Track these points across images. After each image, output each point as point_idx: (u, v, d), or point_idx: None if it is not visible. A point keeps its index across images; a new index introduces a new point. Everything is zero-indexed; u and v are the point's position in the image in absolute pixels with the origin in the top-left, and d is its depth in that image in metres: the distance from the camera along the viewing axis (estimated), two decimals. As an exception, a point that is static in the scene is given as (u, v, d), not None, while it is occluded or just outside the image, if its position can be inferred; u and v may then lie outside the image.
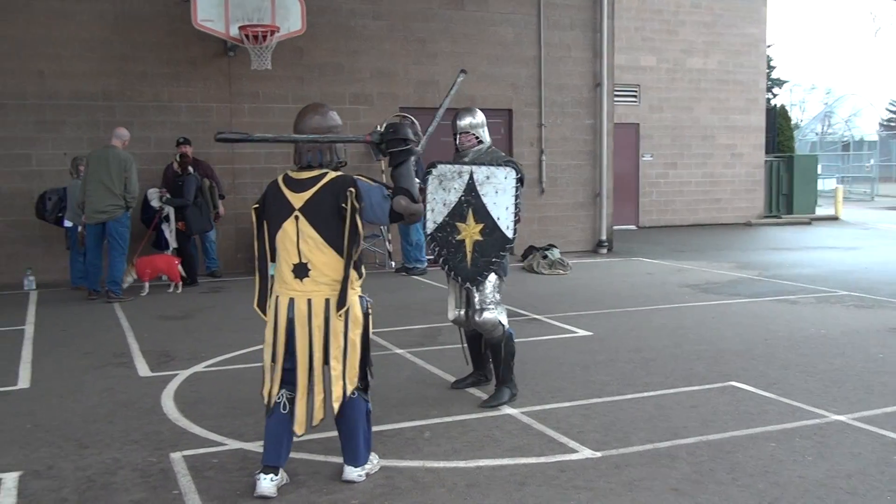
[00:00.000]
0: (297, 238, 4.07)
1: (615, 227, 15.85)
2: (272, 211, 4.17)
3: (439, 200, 5.50)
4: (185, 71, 12.16)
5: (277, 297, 4.14)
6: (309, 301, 4.05)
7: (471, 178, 5.45)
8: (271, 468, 4.08)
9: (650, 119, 20.01)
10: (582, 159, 14.72)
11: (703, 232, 18.91)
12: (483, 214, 5.42)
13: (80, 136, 11.67)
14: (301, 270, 4.07)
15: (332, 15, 12.91)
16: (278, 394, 4.12)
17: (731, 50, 20.72)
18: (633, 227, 19.76)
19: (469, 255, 5.43)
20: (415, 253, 12.09)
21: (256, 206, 4.26)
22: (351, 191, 4.01)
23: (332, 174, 4.12)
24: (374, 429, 4.96)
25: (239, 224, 12.56)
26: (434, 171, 5.56)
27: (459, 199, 5.46)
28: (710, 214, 20.78)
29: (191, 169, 11.15)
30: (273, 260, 4.22)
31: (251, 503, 3.98)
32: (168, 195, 11.10)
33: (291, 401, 4.11)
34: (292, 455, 4.31)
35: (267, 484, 4.03)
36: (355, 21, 13.08)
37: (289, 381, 4.11)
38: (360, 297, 4.19)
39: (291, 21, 11.72)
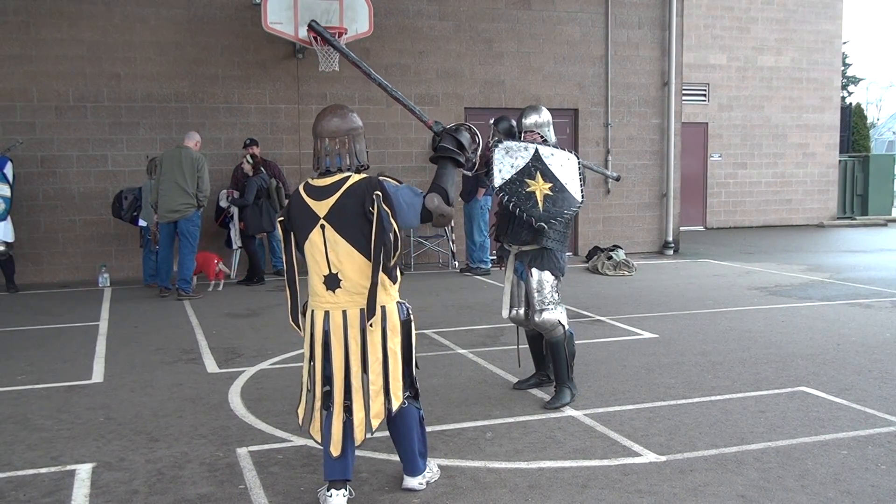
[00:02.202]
0: (326, 248, 3.83)
1: (682, 228, 15.62)
2: (298, 223, 3.91)
3: (507, 164, 5.47)
4: (254, 73, 12.39)
5: (312, 311, 3.92)
6: (344, 313, 3.83)
7: (536, 151, 5.50)
8: (340, 482, 3.90)
9: (719, 118, 19.65)
10: (648, 159, 14.54)
11: (773, 233, 18.49)
12: (551, 177, 5.45)
13: (153, 137, 11.99)
14: (332, 281, 3.83)
15: (399, 16, 13.01)
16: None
17: (805, 47, 20.21)
18: (700, 228, 19.43)
19: (541, 203, 5.35)
20: (478, 253, 12.10)
21: (281, 218, 4.01)
22: (378, 194, 3.77)
23: (355, 177, 3.86)
24: (437, 428, 5.00)
25: (305, 223, 12.75)
26: (500, 145, 5.56)
27: (527, 164, 5.48)
28: (781, 215, 20.31)
29: (262, 169, 11.32)
30: (302, 273, 3.97)
31: (315, 498, 4.04)
32: (235, 195, 11.32)
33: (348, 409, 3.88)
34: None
35: (339, 500, 3.86)
36: (422, 22, 13.15)
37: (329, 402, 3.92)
38: (398, 303, 3.93)
39: (359, 22, 11.84)
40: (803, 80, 20.26)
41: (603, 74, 14.15)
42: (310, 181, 3.95)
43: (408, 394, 4.00)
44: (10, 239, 10.57)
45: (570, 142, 13.87)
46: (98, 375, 6.48)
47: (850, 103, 27.32)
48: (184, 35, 12.08)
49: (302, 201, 3.90)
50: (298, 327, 3.99)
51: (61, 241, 11.79)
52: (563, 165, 5.49)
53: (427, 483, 4.17)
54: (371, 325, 3.81)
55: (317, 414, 3.97)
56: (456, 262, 12.87)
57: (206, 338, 7.83)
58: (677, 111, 14.65)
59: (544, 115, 5.72)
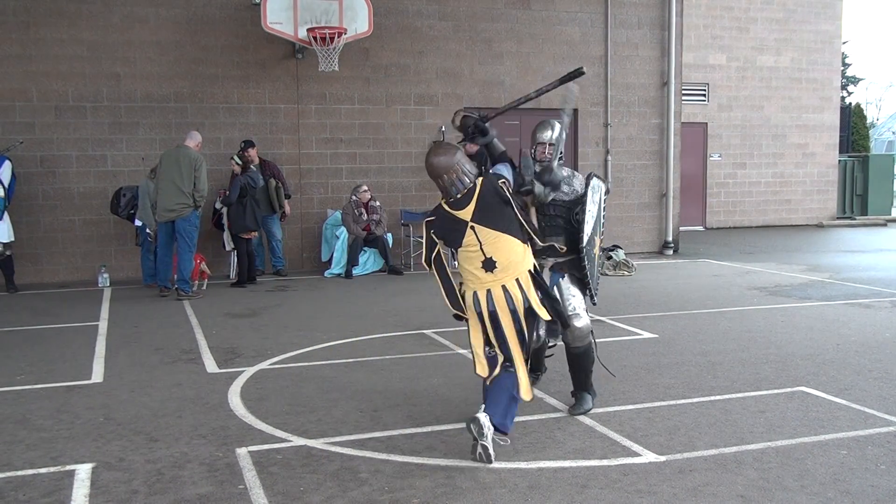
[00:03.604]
0: (480, 243, 4.66)
1: (682, 228, 15.62)
2: (448, 234, 4.79)
3: (592, 213, 5.61)
4: (254, 73, 12.39)
5: (475, 291, 4.71)
6: (503, 287, 4.63)
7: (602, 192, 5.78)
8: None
9: (719, 118, 19.65)
10: (648, 159, 14.54)
11: (773, 233, 18.50)
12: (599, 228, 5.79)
13: (152, 137, 11.99)
14: (489, 264, 4.66)
15: (399, 16, 13.01)
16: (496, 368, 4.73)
17: (805, 47, 20.22)
18: (700, 228, 19.44)
19: (596, 270, 5.72)
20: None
21: (433, 229, 4.82)
22: (503, 182, 4.72)
23: (478, 182, 4.74)
24: (437, 428, 5.03)
25: (305, 224, 12.76)
26: (592, 182, 5.66)
27: (598, 212, 5.70)
28: (780, 215, 20.31)
29: (253, 167, 11.24)
30: (448, 265, 4.88)
31: (314, 498, 4.04)
32: (226, 195, 11.29)
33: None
34: (354, 453, 4.38)
35: (483, 415, 4.51)
36: (421, 22, 13.15)
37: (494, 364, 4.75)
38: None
39: (358, 23, 11.84)
40: (803, 80, 20.26)
41: (602, 74, 14.16)
42: (446, 202, 4.79)
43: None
44: (8, 239, 10.56)
45: (569, 142, 13.86)
46: (98, 375, 6.48)
47: (850, 103, 27.34)
48: (183, 35, 12.08)
49: (448, 214, 4.76)
50: (462, 311, 4.83)
51: (61, 241, 11.78)
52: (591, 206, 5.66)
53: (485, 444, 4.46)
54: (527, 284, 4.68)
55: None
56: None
57: (205, 338, 7.83)
58: (677, 111, 14.65)
59: (558, 129, 5.70)
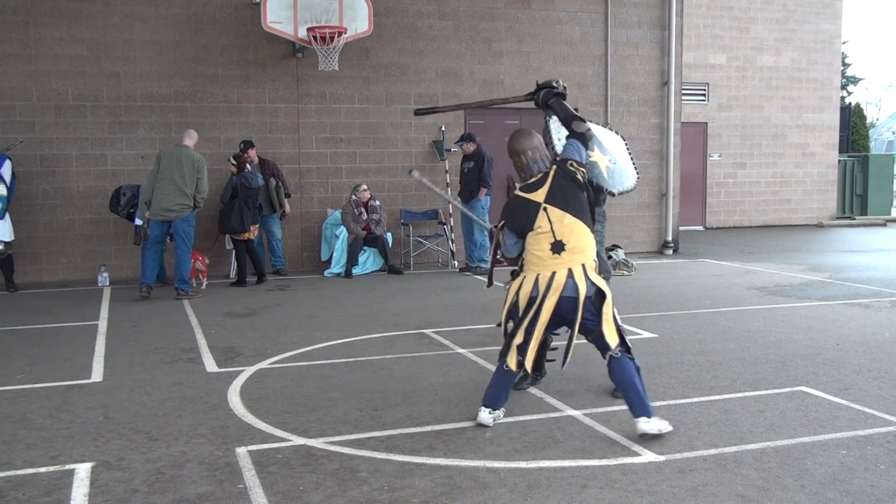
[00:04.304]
0: (551, 224, 4.85)
1: (681, 228, 15.63)
2: (521, 220, 4.97)
3: (562, 133, 5.52)
4: (254, 72, 12.39)
5: (537, 275, 4.86)
6: (569, 270, 4.81)
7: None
8: (489, 405, 4.99)
9: (719, 118, 19.66)
10: (648, 159, 14.54)
11: (773, 233, 18.50)
12: (605, 150, 5.78)
13: (152, 136, 11.99)
14: (558, 246, 4.84)
15: (399, 15, 13.01)
16: (517, 361, 4.94)
17: (805, 47, 20.23)
18: (700, 227, 19.45)
19: (605, 174, 5.66)
20: (478, 253, 12.10)
21: (503, 222, 5.11)
22: (573, 163, 4.95)
23: (553, 167, 4.99)
24: (436, 427, 5.03)
25: (305, 223, 12.76)
26: (551, 118, 5.71)
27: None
28: (780, 215, 20.32)
29: (249, 167, 11.19)
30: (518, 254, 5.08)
31: (314, 498, 4.04)
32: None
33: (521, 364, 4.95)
34: (353, 452, 4.39)
35: (485, 415, 4.96)
36: (421, 21, 13.15)
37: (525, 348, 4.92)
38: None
39: (359, 22, 11.84)
40: (803, 80, 20.28)
41: (602, 74, 14.16)
42: (521, 187, 5.09)
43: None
44: (9, 238, 10.56)
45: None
46: (97, 375, 6.48)
47: (850, 103, 27.34)
48: (183, 34, 12.08)
49: (522, 198, 4.99)
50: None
51: (61, 240, 11.79)
52: (612, 142, 5.59)
53: (659, 432, 4.71)
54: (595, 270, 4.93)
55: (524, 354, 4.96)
56: (455, 262, 12.87)
57: (205, 337, 7.83)
58: (677, 111, 14.66)
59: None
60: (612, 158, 5.66)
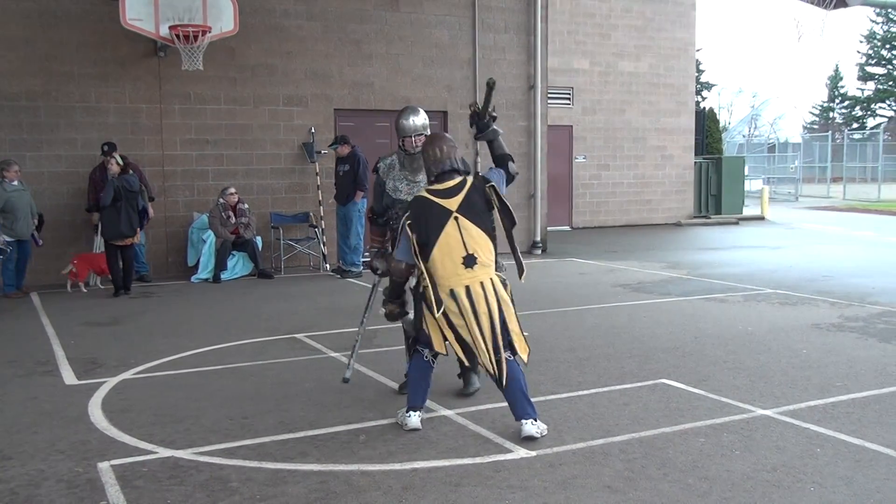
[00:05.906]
0: (461, 234, 4.81)
1: (549, 228, 16.01)
2: (427, 223, 4.84)
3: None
4: (113, 71, 11.89)
5: (452, 289, 4.81)
6: (482, 283, 4.83)
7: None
8: (418, 407, 5.00)
9: (583, 121, 20.27)
10: (516, 161, 14.76)
11: (635, 232, 19.22)
12: None
13: (2, 137, 11.32)
14: (470, 260, 4.81)
15: (266, 15, 12.78)
16: (430, 352, 5.01)
17: (662, 54, 21.10)
18: (567, 227, 19.98)
19: None
20: (351, 256, 12.02)
21: (409, 222, 4.92)
22: (492, 188, 4.94)
23: (470, 178, 4.98)
24: (310, 433, 4.97)
25: (169, 227, 12.34)
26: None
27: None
28: (642, 215, 21.12)
29: (130, 171, 10.74)
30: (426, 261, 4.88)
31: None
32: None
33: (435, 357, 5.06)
34: (223, 462, 4.26)
35: (415, 420, 4.96)
36: (289, 21, 12.97)
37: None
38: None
39: (223, 21, 11.55)
40: (661, 86, 21.15)
41: (471, 77, 14.35)
42: (428, 189, 4.99)
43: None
44: None
45: (439, 144, 13.96)
46: (-57, 392, 6.07)
47: (704, 108, 28.72)
48: (34, 30, 11.46)
49: (430, 202, 4.88)
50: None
51: None
52: None
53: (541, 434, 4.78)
54: (522, 280, 5.10)
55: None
56: (327, 265, 12.75)
57: (63, 348, 7.46)
58: (543, 114, 15.01)
59: (423, 115, 5.65)
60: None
